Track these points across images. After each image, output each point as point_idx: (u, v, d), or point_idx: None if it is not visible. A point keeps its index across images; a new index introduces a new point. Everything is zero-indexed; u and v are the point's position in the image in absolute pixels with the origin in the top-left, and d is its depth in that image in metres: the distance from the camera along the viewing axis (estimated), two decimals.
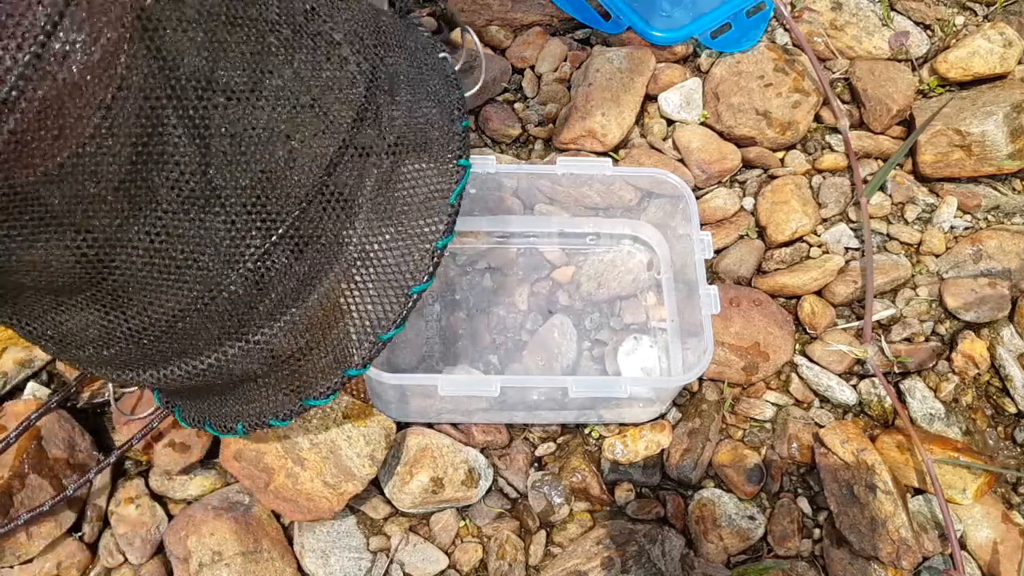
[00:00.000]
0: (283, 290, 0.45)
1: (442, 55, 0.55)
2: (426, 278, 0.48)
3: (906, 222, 0.72)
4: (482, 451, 0.61)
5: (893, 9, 0.80)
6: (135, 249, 0.40)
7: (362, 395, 0.61)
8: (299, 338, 0.47)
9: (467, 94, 0.56)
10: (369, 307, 0.47)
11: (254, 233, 0.42)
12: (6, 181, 0.34)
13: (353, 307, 0.47)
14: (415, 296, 0.48)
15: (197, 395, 0.52)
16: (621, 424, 0.63)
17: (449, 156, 0.50)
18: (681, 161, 0.72)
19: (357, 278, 0.47)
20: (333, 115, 0.45)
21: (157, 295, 0.42)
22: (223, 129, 0.40)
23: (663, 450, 0.62)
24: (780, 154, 0.74)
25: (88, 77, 0.33)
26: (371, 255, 0.47)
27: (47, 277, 0.39)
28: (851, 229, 0.71)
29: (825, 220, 0.71)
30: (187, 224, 0.40)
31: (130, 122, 0.36)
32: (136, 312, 0.43)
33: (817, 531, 0.60)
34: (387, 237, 0.47)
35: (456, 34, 0.77)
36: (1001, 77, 0.76)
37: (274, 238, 0.43)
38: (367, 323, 0.48)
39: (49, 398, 0.59)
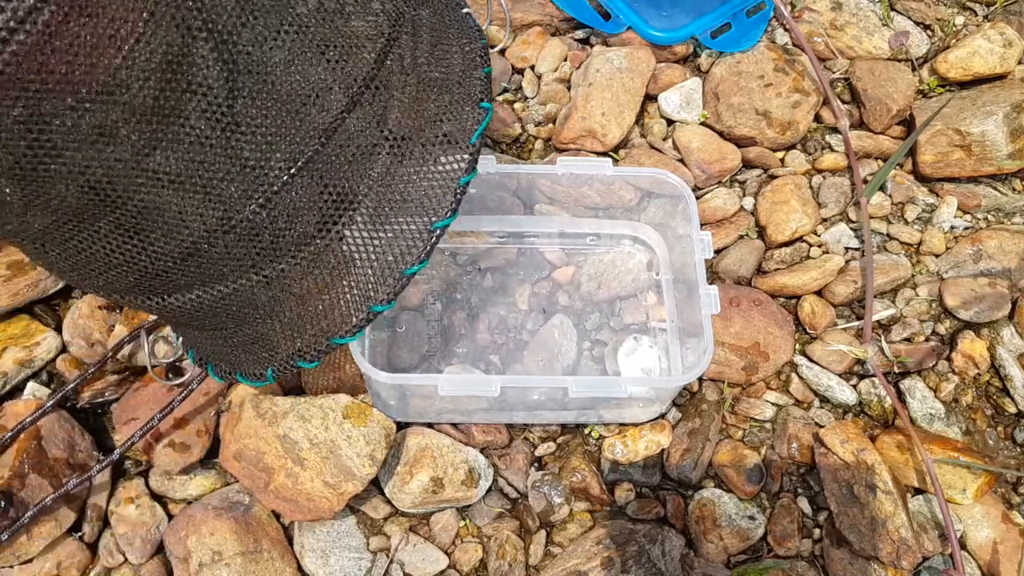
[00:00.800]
0: (304, 221, 0.46)
1: (465, 10, 0.55)
2: (449, 214, 0.48)
3: (906, 222, 0.72)
4: (482, 451, 0.61)
5: (893, 9, 0.80)
6: (158, 172, 0.41)
7: (362, 395, 0.61)
8: (322, 271, 0.47)
9: (493, 49, 0.56)
10: (392, 242, 0.48)
11: (277, 158, 0.43)
12: (38, 104, 0.35)
13: (377, 241, 0.48)
14: (438, 231, 0.48)
15: (226, 345, 0.52)
16: (621, 424, 0.63)
17: (470, 97, 0.51)
18: (681, 161, 0.72)
19: (380, 211, 0.48)
20: (356, 50, 0.46)
21: (179, 220, 0.43)
22: (251, 55, 0.41)
23: (663, 450, 0.62)
24: (780, 154, 0.74)
25: None
26: (393, 189, 0.48)
27: (72, 198, 0.40)
28: (851, 229, 0.71)
29: (825, 220, 0.71)
30: (211, 150, 0.41)
31: (162, 48, 0.37)
32: (157, 237, 0.44)
33: (817, 531, 0.60)
34: (410, 171, 0.48)
35: None
36: (1001, 77, 0.76)
37: (295, 168, 0.44)
38: (391, 258, 0.48)
39: (46, 400, 0.59)
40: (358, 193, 0.47)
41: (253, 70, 0.41)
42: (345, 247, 0.48)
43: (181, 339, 0.58)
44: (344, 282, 0.48)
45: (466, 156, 0.49)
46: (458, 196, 0.48)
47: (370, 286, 0.48)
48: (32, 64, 0.34)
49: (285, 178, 0.44)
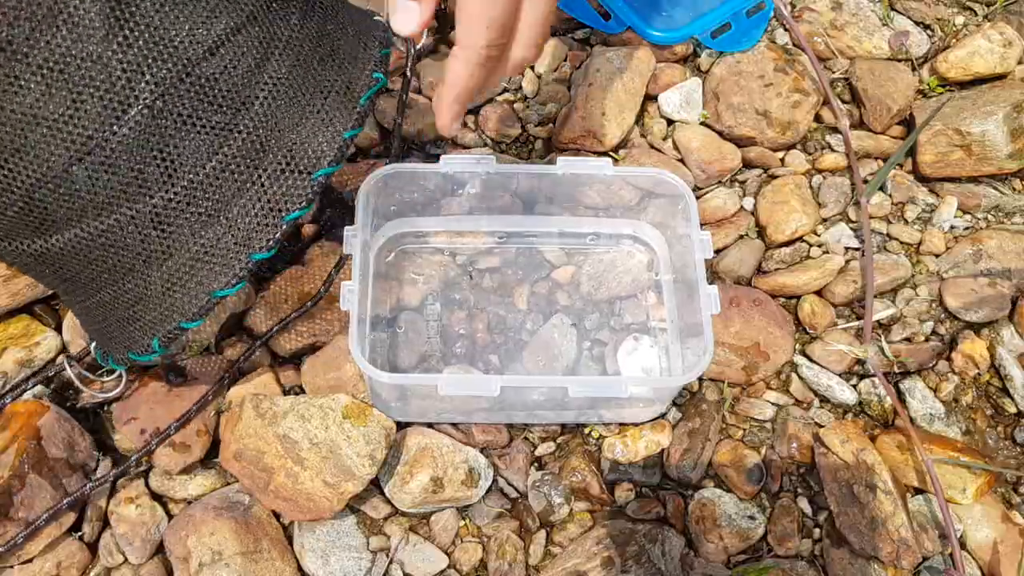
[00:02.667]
0: (177, 153, 0.45)
1: (376, 18, 0.55)
2: (357, 125, 0.49)
3: (906, 222, 0.72)
4: (482, 451, 0.61)
5: (893, 9, 0.80)
6: (29, 83, 0.41)
7: (362, 395, 0.61)
8: (192, 215, 0.47)
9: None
10: (301, 144, 0.48)
11: (147, 80, 0.43)
12: None
13: (286, 142, 0.47)
14: (348, 139, 0.49)
15: (112, 319, 0.51)
16: (621, 424, 0.63)
17: (365, 64, 0.51)
18: (681, 161, 0.72)
19: (253, 153, 0.47)
20: None
21: (48, 140, 0.43)
22: None
23: (663, 450, 0.62)
24: (780, 154, 0.74)
25: None
26: (273, 135, 0.47)
27: None
28: (851, 229, 0.71)
29: (825, 220, 0.71)
30: (85, 62, 0.41)
31: None
32: (29, 160, 0.43)
33: (817, 531, 0.60)
34: (289, 116, 0.48)
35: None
36: (1001, 77, 0.76)
37: (160, 92, 0.44)
38: (302, 160, 0.48)
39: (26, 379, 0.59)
40: (233, 129, 0.46)
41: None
42: (214, 191, 0.47)
43: (93, 343, 0.56)
44: (251, 189, 0.47)
45: (354, 114, 0.49)
46: (340, 150, 0.48)
47: (281, 192, 0.48)
48: None
49: (155, 101, 0.43)
